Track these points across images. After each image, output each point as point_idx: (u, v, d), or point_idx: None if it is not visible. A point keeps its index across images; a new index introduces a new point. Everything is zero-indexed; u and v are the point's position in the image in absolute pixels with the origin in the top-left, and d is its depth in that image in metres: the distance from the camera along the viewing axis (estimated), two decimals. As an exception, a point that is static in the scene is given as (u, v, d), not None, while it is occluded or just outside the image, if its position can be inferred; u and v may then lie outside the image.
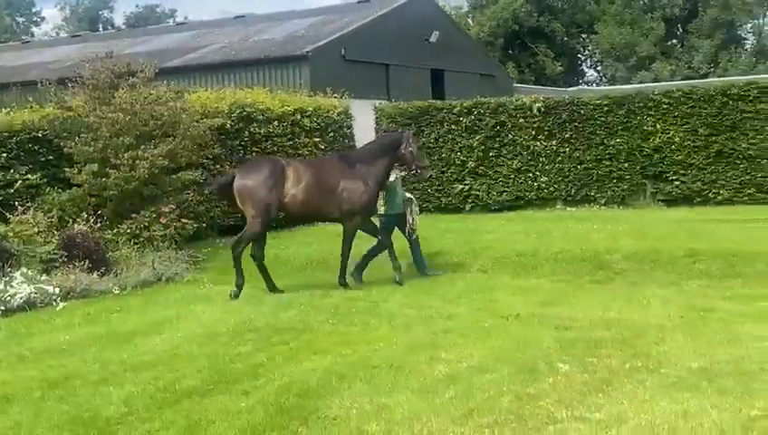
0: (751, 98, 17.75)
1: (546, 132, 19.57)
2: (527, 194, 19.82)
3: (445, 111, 20.56)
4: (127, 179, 13.58)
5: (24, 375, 7.88)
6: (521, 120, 19.81)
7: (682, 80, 42.51)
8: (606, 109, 19.07)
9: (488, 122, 20.06)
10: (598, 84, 48.36)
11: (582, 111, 19.27)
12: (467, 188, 20.25)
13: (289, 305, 10.82)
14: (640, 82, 43.57)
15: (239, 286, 11.49)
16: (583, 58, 56.05)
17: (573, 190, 19.41)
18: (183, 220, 14.40)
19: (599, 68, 53.84)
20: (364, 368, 7.52)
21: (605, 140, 19.02)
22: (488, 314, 9.64)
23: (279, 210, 11.74)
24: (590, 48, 54.53)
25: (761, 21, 49.18)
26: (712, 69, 45.81)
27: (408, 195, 12.31)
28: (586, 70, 55.82)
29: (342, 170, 11.73)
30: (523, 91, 31.52)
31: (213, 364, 7.99)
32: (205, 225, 15.88)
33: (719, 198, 18.04)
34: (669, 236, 13.15)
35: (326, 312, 10.30)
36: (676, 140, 18.36)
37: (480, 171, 20.15)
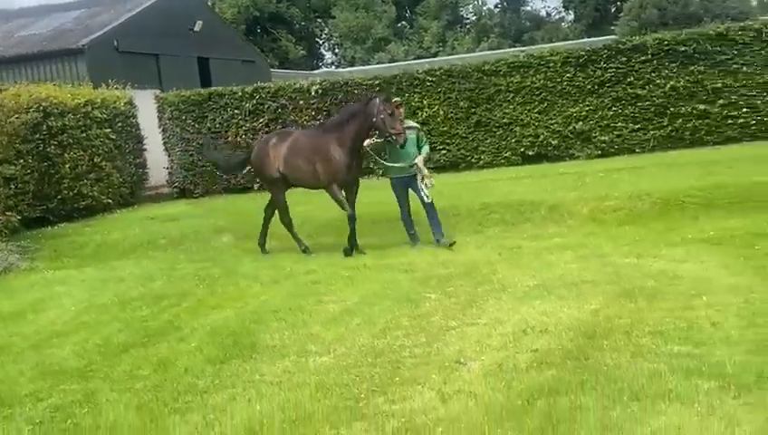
0: (502, 73, 20.27)
1: (325, 112, 21.23)
2: (311, 170, 21.36)
3: (227, 96, 21.75)
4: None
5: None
6: (300, 101, 21.38)
7: (415, 59, 45.80)
8: (377, 88, 21.00)
9: (270, 106, 21.45)
10: (337, 66, 50.67)
11: (356, 92, 21.11)
12: (255, 168, 21.47)
13: (150, 278, 11.86)
14: (378, 63, 46.38)
15: (304, 249, 12.69)
16: (321, 42, 58.42)
17: (353, 164, 21.19)
18: (8, 214, 14.81)
19: (337, 51, 56.38)
20: (267, 313, 8.89)
21: (378, 117, 20.90)
22: (339, 267, 11.17)
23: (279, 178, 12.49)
24: (326, 32, 56.99)
25: (479, 2, 53.70)
26: (441, 48, 49.58)
27: (419, 158, 11.81)
28: (324, 53, 58.25)
29: (316, 141, 12.11)
30: (280, 76, 33.03)
31: (128, 325, 9.04)
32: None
33: (481, 162, 20.48)
34: (460, 194, 15.21)
35: (191, 280, 11.46)
36: (441, 113, 20.60)
37: (265, 152, 21.43)
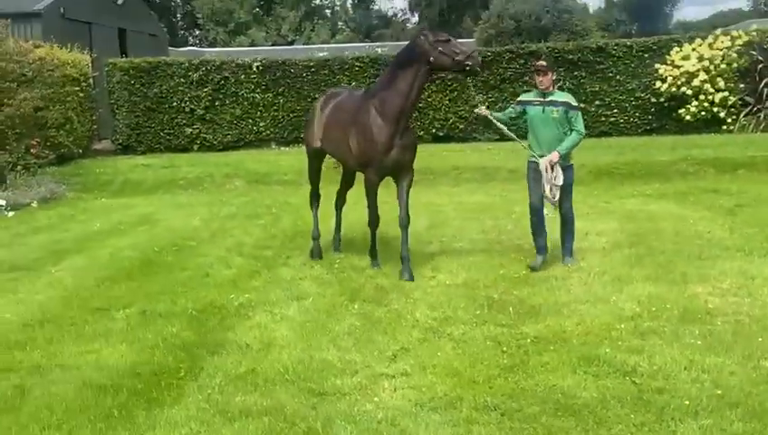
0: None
1: (264, 86, 24.33)
2: (248, 136, 24.45)
3: (175, 66, 24.37)
4: (20, 117, 16.21)
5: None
6: (242, 75, 24.33)
7: (272, 45, 48.98)
8: (312, 69, 24.35)
9: (214, 77, 24.29)
10: (200, 46, 52.81)
11: (293, 71, 24.35)
12: (197, 131, 24.30)
13: (214, 205, 14.83)
14: (239, 46, 49.18)
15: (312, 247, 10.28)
16: (177, 21, 60.11)
17: (286, 133, 24.43)
18: (46, 151, 17.25)
19: (197, 32, 58.34)
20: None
21: (311, 94, 24.21)
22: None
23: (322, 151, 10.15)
24: (182, 12, 58.90)
25: (333, -4, 57.65)
26: (298, 36, 53.00)
27: (546, 158, 8.87)
28: (181, 32, 59.90)
29: (358, 104, 9.17)
30: (172, 53, 35.43)
31: (268, 227, 12.19)
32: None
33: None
34: (427, 158, 18.83)
35: (255, 206, 14.56)
36: (366, 94, 24.17)
37: (207, 118, 24.32)
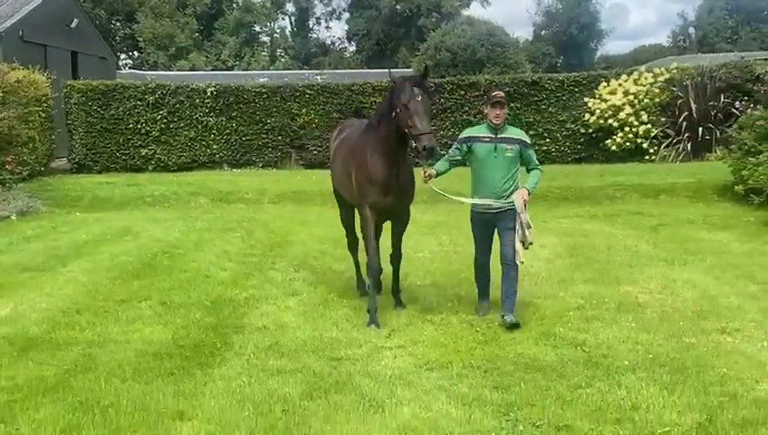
0: (367, 93, 25.62)
1: (217, 111, 25.58)
2: (201, 158, 25.64)
3: (132, 89, 25.48)
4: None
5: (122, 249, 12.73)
6: (197, 100, 25.54)
7: (212, 70, 50.15)
8: (264, 95, 25.66)
9: (169, 101, 25.46)
10: (140, 69, 53.52)
11: (246, 96, 25.65)
12: (152, 152, 25.41)
13: (189, 220, 16.06)
14: (179, 70, 50.21)
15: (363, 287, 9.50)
16: (117, 44, 60.69)
17: (238, 156, 25.70)
18: (20, 167, 18.27)
19: (135, 54, 59.07)
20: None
21: (263, 119, 25.58)
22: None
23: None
24: (121, 35, 59.59)
25: (273, 24, 59.04)
26: (238, 62, 54.25)
27: (517, 194, 8.15)
28: (120, 54, 60.56)
29: (357, 142, 8.54)
30: (120, 76, 36.43)
31: (245, 238, 13.53)
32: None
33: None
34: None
35: (225, 223, 15.85)
36: (315, 120, 25.59)
37: (162, 139, 25.45)
